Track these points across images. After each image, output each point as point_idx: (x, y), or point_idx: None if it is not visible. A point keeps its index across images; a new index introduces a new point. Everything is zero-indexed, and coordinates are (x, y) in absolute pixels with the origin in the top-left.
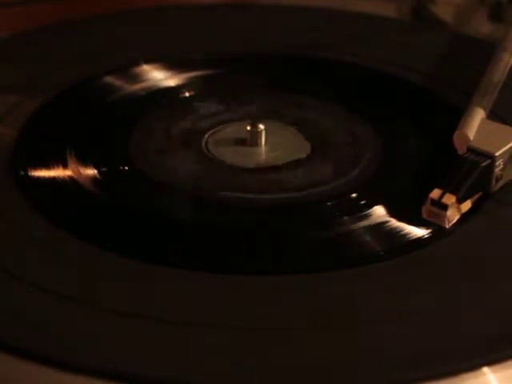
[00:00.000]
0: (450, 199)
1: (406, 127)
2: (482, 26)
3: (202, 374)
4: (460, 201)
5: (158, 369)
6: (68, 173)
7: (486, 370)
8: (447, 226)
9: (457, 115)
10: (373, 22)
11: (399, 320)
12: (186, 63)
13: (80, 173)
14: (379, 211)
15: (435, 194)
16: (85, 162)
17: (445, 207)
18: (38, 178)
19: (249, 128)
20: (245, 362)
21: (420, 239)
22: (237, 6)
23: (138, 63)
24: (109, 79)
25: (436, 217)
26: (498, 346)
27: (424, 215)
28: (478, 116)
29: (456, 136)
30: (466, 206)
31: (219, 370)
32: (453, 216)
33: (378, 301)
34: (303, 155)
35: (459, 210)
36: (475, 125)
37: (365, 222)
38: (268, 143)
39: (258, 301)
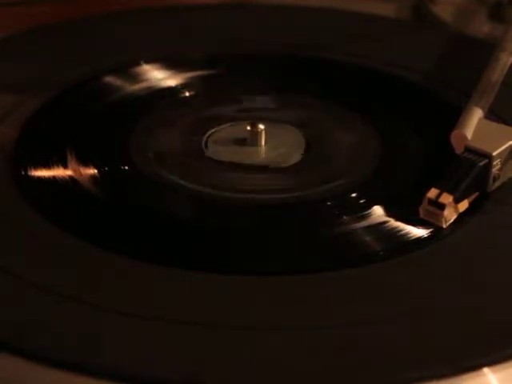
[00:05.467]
0: (447, 199)
1: (405, 127)
2: (482, 26)
3: (202, 374)
4: (457, 200)
5: (158, 369)
6: (68, 173)
7: (486, 370)
8: (444, 226)
9: (457, 115)
10: (373, 21)
11: (399, 320)
12: (186, 63)
13: (80, 173)
14: (379, 211)
15: (432, 193)
16: (85, 161)
17: (442, 207)
18: (38, 178)
19: (249, 128)
20: (245, 361)
21: (419, 239)
22: (237, 6)
23: (137, 63)
24: (109, 79)
25: (433, 216)
26: (498, 346)
27: (421, 215)
28: (476, 116)
29: (454, 135)
30: (464, 205)
31: (219, 370)
32: (450, 216)
33: (377, 301)
34: (303, 155)
35: (456, 209)
36: (473, 124)
37: (364, 222)
38: (268, 143)
39: (257, 301)
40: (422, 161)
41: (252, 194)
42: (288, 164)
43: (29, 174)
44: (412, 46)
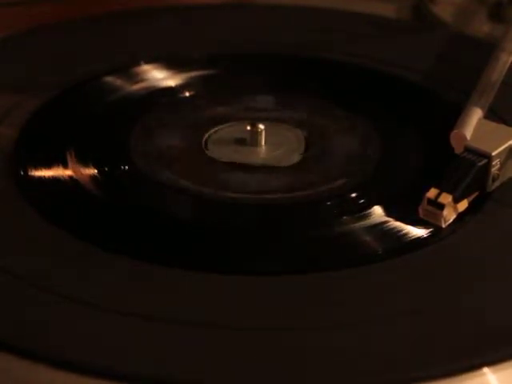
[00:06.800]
0: (446, 199)
1: (405, 127)
2: (482, 26)
3: (202, 374)
4: (456, 200)
5: (158, 369)
6: (68, 173)
7: (486, 370)
8: (443, 226)
9: (457, 115)
10: (373, 22)
11: (399, 320)
12: (186, 63)
13: (80, 173)
14: (379, 211)
15: (432, 193)
16: (85, 162)
17: (441, 207)
18: (38, 178)
19: (249, 128)
20: (245, 361)
21: (420, 239)
22: (237, 6)
23: (138, 63)
24: (109, 79)
25: (432, 216)
26: (498, 346)
27: (420, 214)
28: (476, 116)
29: (453, 135)
30: (463, 205)
31: (219, 370)
32: (449, 215)
33: (377, 301)
34: (303, 155)
35: (456, 209)
36: (472, 124)
37: (364, 222)
38: (268, 143)
39: (258, 301)
40: (422, 161)
41: (252, 194)
42: (288, 164)
43: (29, 174)
44: (412, 46)
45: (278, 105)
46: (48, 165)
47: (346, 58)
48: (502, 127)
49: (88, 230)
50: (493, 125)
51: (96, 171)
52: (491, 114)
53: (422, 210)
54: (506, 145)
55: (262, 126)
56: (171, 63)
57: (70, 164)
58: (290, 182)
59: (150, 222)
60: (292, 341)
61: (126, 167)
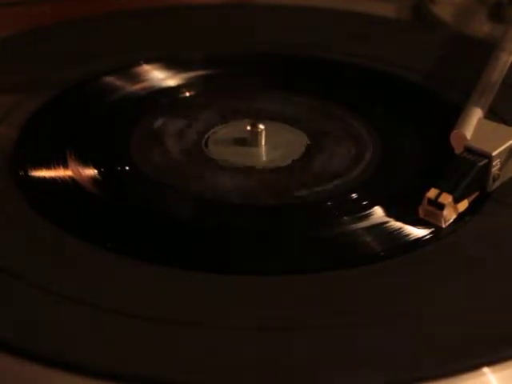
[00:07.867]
0: (446, 199)
1: (405, 127)
2: (482, 26)
3: (202, 374)
4: (457, 200)
5: (158, 369)
6: (68, 173)
7: (486, 370)
8: (444, 226)
9: (457, 115)
10: (373, 21)
11: (399, 320)
12: (186, 63)
13: (80, 173)
14: (379, 211)
15: (432, 193)
16: (85, 162)
17: (441, 207)
18: (38, 178)
19: (249, 128)
20: (245, 361)
21: (420, 239)
22: (237, 6)
23: (138, 63)
24: (109, 79)
25: (433, 216)
26: (498, 346)
27: (421, 214)
28: (476, 115)
29: (453, 135)
30: (463, 205)
31: (219, 370)
32: (449, 215)
33: (377, 301)
34: (303, 155)
35: (456, 209)
36: (472, 124)
37: (364, 222)
38: (268, 143)
39: (257, 301)
40: (422, 161)
41: (252, 195)
42: (288, 164)
43: (29, 174)
44: (412, 46)
45: (277, 105)
46: (48, 165)
47: (345, 58)
48: (503, 127)
49: (88, 230)
50: (493, 125)
51: (96, 171)
52: (491, 114)
53: (422, 210)
54: (507, 145)
55: (262, 126)
56: (171, 63)
57: (70, 164)
58: (289, 182)
59: (150, 221)
60: (292, 341)
61: (126, 167)
